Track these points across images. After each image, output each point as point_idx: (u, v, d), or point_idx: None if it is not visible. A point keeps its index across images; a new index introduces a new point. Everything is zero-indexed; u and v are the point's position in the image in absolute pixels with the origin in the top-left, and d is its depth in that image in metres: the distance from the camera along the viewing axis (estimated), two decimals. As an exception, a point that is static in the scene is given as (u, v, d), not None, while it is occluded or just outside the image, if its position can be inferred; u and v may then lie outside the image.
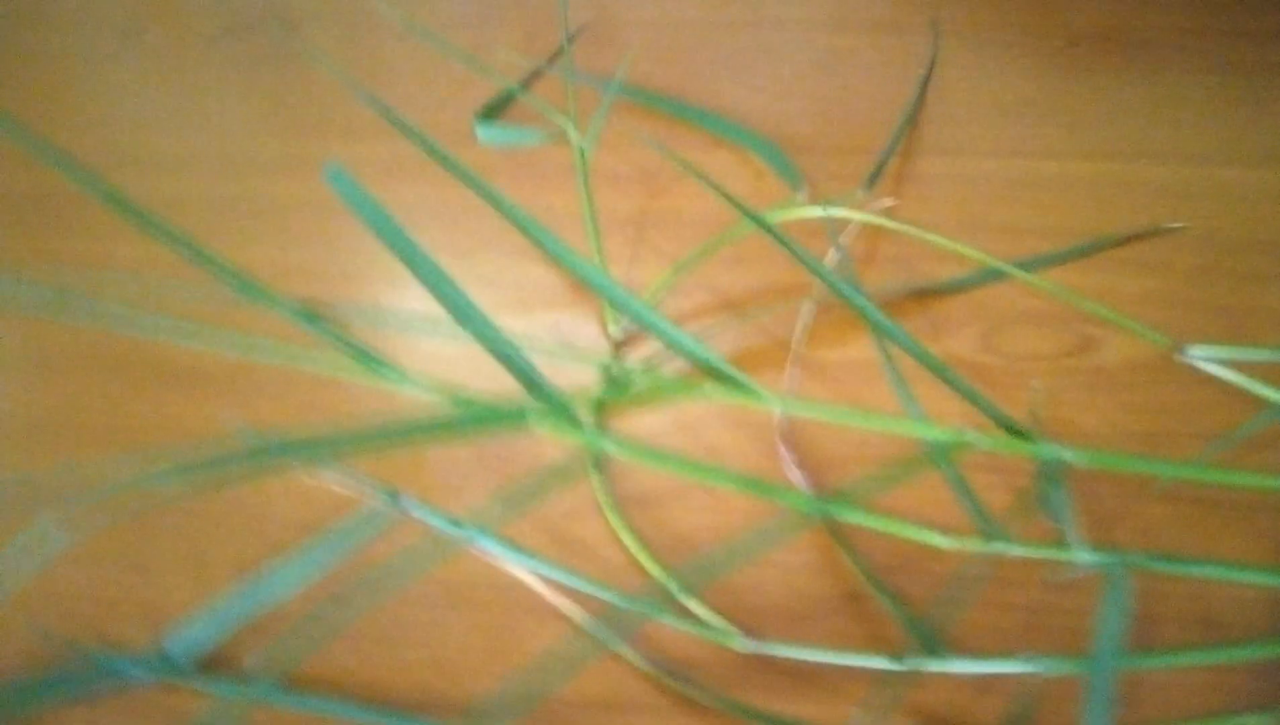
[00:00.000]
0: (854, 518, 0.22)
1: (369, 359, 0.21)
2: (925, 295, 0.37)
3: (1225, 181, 0.40)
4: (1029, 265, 0.37)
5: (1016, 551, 0.22)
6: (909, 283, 0.37)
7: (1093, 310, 0.34)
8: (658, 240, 0.40)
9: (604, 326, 0.36)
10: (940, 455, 0.21)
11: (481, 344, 0.24)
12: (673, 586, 0.28)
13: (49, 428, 0.34)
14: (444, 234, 0.41)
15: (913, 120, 0.44)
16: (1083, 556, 0.23)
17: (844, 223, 0.39)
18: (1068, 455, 0.21)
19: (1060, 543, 0.23)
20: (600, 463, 0.31)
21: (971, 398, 0.22)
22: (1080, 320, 0.35)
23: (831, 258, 0.37)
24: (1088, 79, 0.46)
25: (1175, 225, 0.38)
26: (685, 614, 0.27)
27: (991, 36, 0.49)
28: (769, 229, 0.23)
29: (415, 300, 0.39)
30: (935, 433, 0.22)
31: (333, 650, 0.28)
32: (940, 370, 0.22)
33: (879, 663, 0.25)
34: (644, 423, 0.33)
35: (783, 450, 0.31)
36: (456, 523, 0.20)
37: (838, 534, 0.29)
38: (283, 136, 0.47)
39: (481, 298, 0.38)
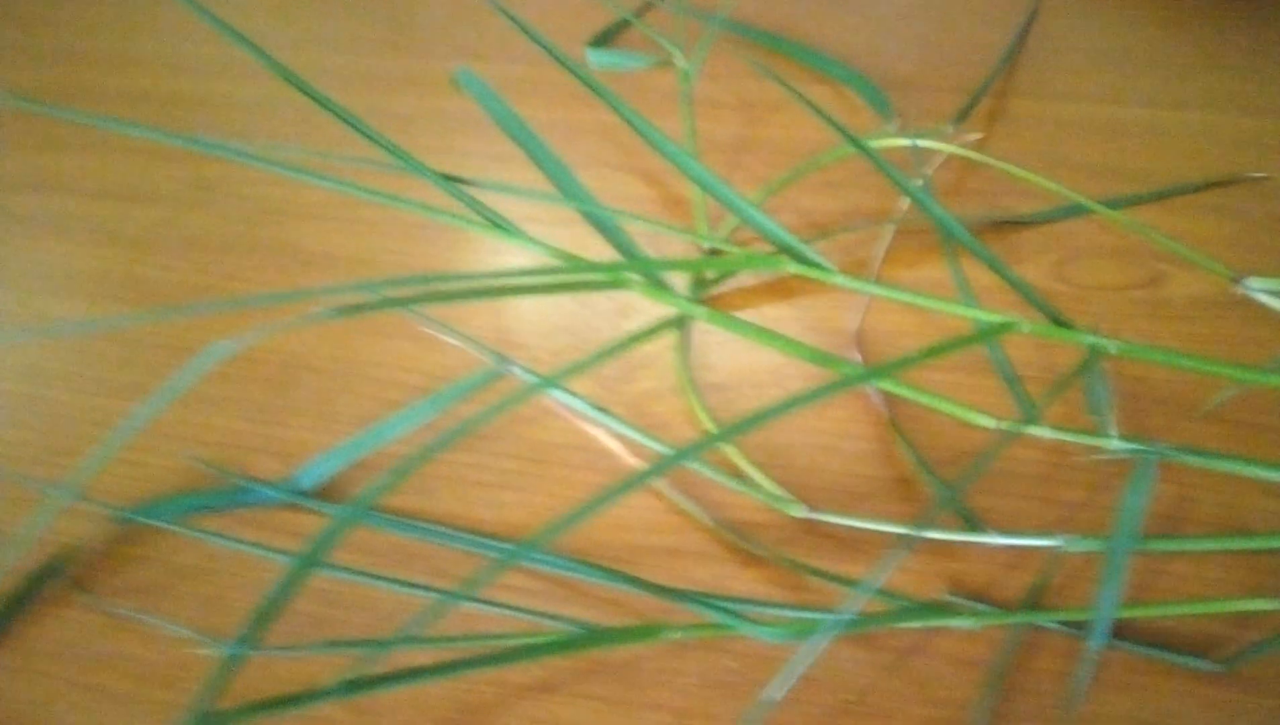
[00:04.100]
0: (893, 386, 0.24)
1: (497, 220, 0.24)
2: (1004, 226, 0.38)
3: (1315, 136, 0.41)
4: (1111, 203, 0.38)
5: (1050, 434, 0.25)
6: (990, 213, 0.39)
7: (1162, 244, 0.35)
8: (752, 165, 0.43)
9: (695, 236, 0.39)
10: (989, 336, 0.24)
11: (585, 215, 0.27)
12: (739, 460, 0.31)
13: (192, 298, 0.38)
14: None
15: (1010, 62, 0.46)
16: (1113, 443, 0.25)
17: (930, 154, 0.41)
18: (1106, 344, 0.24)
19: (1095, 432, 0.25)
20: (683, 346, 0.34)
21: (1024, 292, 0.25)
22: (1151, 257, 0.37)
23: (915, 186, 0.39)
24: (1189, 31, 0.47)
25: (1257, 175, 0.39)
26: (753, 484, 0.30)
27: (1099, -13, 0.50)
28: (865, 149, 0.26)
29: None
30: (988, 316, 0.24)
31: (440, 493, 0.31)
32: (996, 265, 0.25)
33: (920, 532, 0.27)
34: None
35: (855, 351, 0.34)
36: (551, 384, 0.23)
37: (895, 424, 0.32)
38: (405, 56, 0.50)
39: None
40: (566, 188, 0.28)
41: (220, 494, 0.31)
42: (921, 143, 0.38)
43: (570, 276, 0.24)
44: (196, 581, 0.30)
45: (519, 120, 0.29)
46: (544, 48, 0.26)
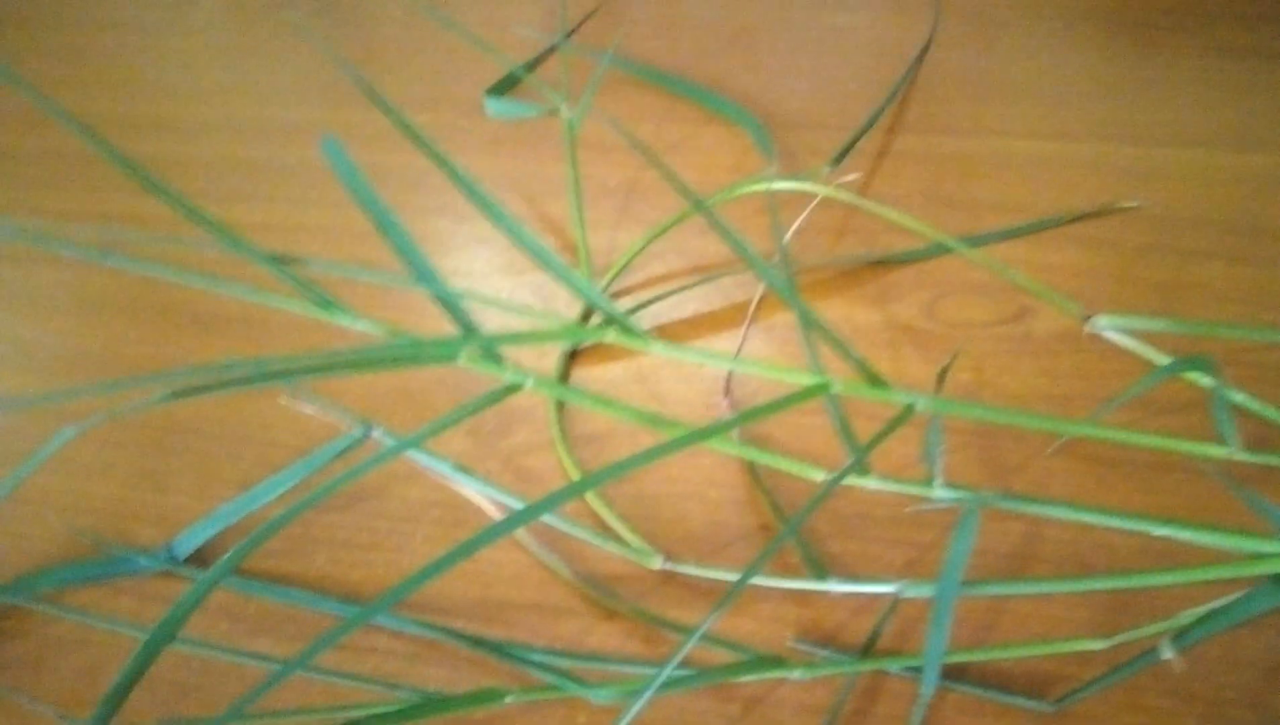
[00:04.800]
0: (724, 445, 0.25)
1: (325, 300, 0.25)
2: (879, 265, 0.39)
3: (1189, 163, 0.42)
4: (979, 240, 0.39)
5: (879, 485, 0.25)
6: (866, 254, 0.40)
7: (1018, 281, 0.36)
8: (642, 209, 0.44)
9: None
10: (807, 397, 0.24)
11: (432, 294, 0.28)
12: (606, 513, 0.31)
13: (87, 362, 0.39)
14: (449, 198, 0.45)
15: (895, 100, 0.47)
16: (937, 493, 0.26)
17: (808, 196, 0.42)
18: (917, 401, 0.24)
19: (926, 481, 0.26)
20: (559, 403, 0.35)
21: (842, 350, 0.25)
22: (1018, 292, 0.38)
23: (785, 229, 0.40)
24: (1078, 59, 0.48)
25: (1130, 204, 0.40)
26: (615, 537, 0.31)
27: (992, 16, 0.51)
28: (705, 208, 0.27)
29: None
30: (809, 377, 0.25)
31: (316, 555, 0.32)
32: (812, 325, 0.25)
33: (766, 581, 0.28)
34: (606, 371, 0.37)
35: (721, 400, 0.35)
36: (409, 446, 0.24)
37: (755, 474, 0.32)
38: (317, 105, 0.51)
39: (476, 258, 0.42)
40: (415, 266, 0.28)
41: (96, 564, 0.32)
42: (790, 186, 0.38)
43: (401, 352, 0.25)
44: (72, 654, 0.30)
45: (373, 194, 0.30)
46: (379, 104, 0.26)
